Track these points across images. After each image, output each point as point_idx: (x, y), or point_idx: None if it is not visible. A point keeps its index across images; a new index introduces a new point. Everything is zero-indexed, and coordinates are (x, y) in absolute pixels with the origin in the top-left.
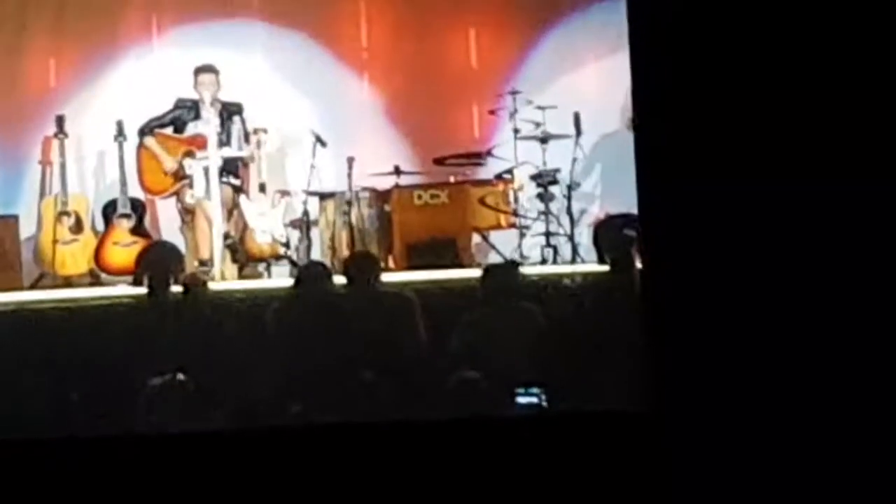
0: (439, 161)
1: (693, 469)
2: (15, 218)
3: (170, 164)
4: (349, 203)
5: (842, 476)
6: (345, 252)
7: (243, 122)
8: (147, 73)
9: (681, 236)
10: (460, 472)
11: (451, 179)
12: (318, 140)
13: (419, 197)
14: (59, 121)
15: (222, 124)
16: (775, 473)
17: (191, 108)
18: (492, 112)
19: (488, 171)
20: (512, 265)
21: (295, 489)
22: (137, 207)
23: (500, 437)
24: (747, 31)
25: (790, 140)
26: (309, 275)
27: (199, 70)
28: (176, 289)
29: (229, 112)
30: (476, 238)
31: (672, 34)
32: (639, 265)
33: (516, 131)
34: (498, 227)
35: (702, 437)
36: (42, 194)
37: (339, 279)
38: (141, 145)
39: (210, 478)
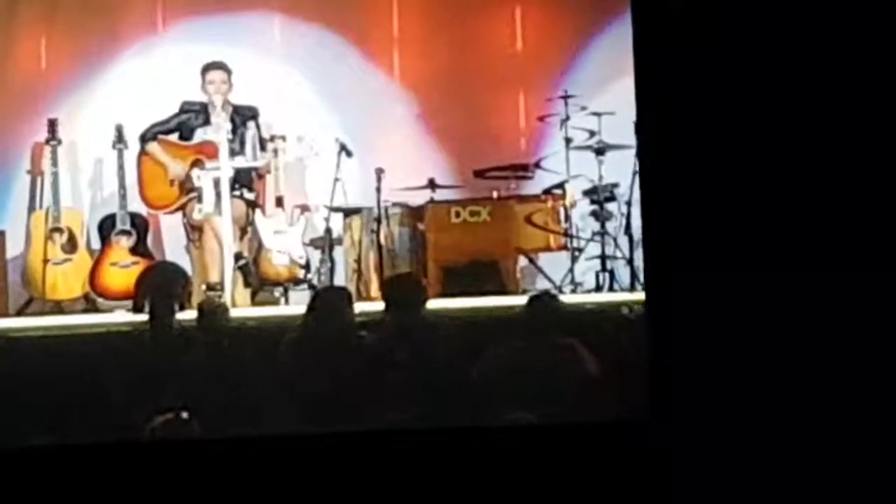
0: (480, 173)
1: (694, 479)
2: (0, 235)
3: (175, 175)
4: (377, 220)
5: (844, 486)
6: (372, 276)
7: (258, 128)
8: (151, 72)
9: (684, 243)
10: (462, 482)
11: (494, 194)
12: (343, 149)
13: (457, 214)
14: (52, 125)
15: (234, 130)
16: (776, 482)
17: (199, 112)
18: (541, 119)
19: (536, 185)
20: (550, 297)
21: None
22: (138, 224)
23: (502, 447)
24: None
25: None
26: (324, 301)
27: (208, 68)
28: (181, 316)
29: (242, 117)
30: (522, 261)
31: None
32: None
33: (568, 141)
34: (547, 248)
35: (703, 447)
36: (31, 208)
37: (372, 305)
38: (143, 153)
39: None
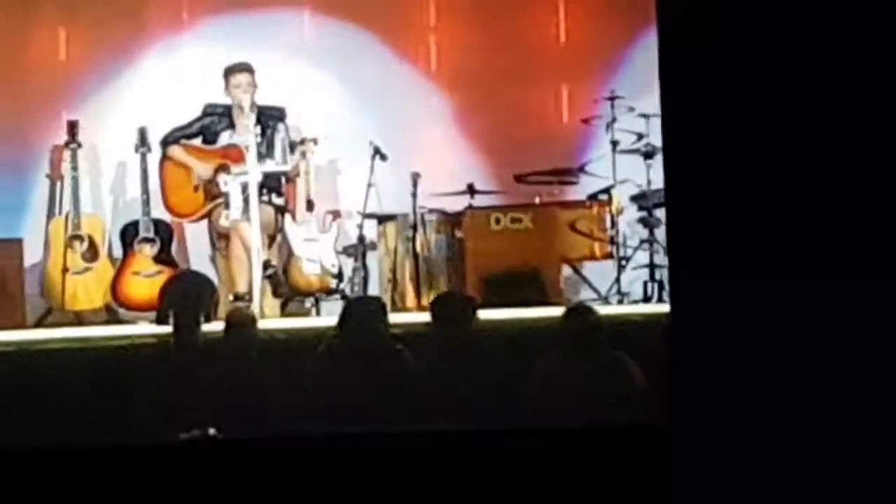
0: (521, 178)
1: (711, 484)
2: (18, 242)
3: (200, 179)
4: (413, 227)
5: (871, 495)
6: (408, 286)
7: (287, 130)
8: (174, 72)
9: (708, 247)
10: (480, 485)
11: (536, 200)
12: (377, 152)
13: (497, 221)
14: (71, 127)
15: (262, 133)
16: (793, 490)
17: (223, 115)
18: (585, 121)
19: (581, 190)
20: (587, 310)
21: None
22: (162, 231)
23: (525, 449)
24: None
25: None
26: (358, 312)
27: (233, 71)
28: (207, 328)
29: (270, 119)
30: (566, 270)
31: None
32: None
33: (615, 144)
34: (592, 257)
35: (721, 453)
36: (50, 214)
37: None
38: (165, 158)
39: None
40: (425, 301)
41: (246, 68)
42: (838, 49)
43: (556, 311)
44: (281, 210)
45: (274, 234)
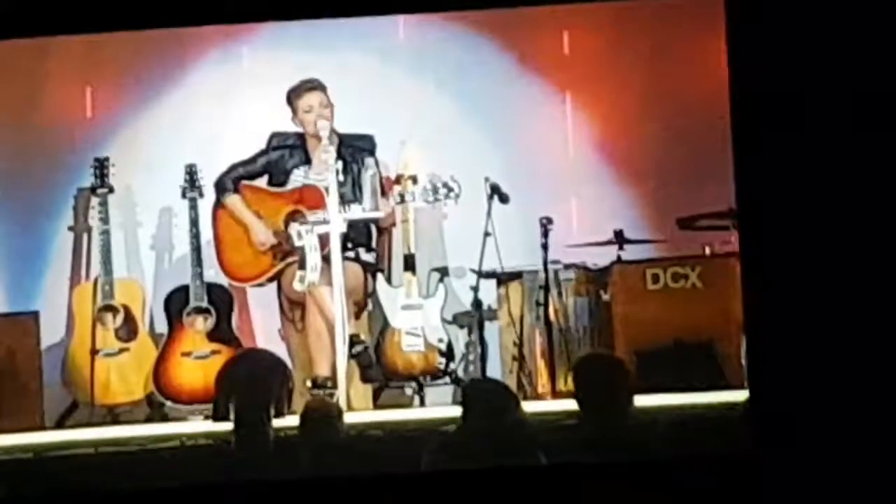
0: (686, 223)
1: None
2: (32, 316)
3: (266, 232)
4: (545, 288)
5: None
6: (539, 364)
7: (377, 165)
8: (230, 93)
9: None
10: None
11: (706, 251)
12: (496, 192)
13: (655, 278)
14: (100, 166)
15: (345, 170)
16: None
17: (294, 148)
18: None
19: None
20: None
21: None
22: (218, 299)
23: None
24: None
25: None
26: (479, 401)
27: (298, 91)
28: (279, 423)
29: (355, 151)
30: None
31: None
32: None
33: None
34: None
35: (801, 483)
36: (74, 279)
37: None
38: (220, 205)
39: None
40: (562, 385)
41: (315, 86)
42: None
43: (736, 395)
44: (372, 269)
45: (363, 301)
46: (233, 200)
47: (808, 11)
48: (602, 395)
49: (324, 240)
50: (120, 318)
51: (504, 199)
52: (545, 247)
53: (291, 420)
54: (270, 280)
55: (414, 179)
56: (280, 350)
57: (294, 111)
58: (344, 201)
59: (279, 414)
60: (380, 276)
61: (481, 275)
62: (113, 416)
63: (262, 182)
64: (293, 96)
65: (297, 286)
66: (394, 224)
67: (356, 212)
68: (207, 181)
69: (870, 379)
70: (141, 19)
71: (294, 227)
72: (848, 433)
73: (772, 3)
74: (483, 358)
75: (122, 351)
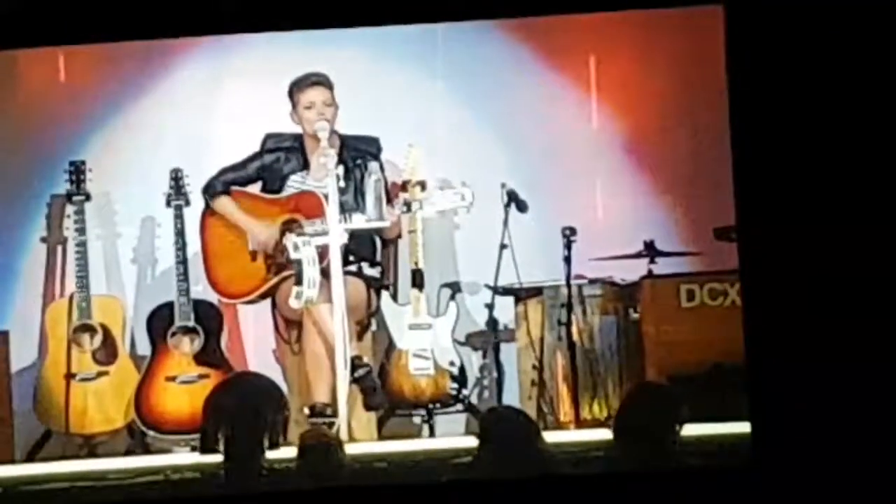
0: (724, 233)
1: None
2: (2, 337)
3: (267, 231)
4: (567, 306)
5: None
6: (562, 390)
7: (382, 170)
8: (220, 90)
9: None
10: None
11: None
12: (514, 200)
13: (690, 294)
14: (77, 171)
15: (347, 174)
16: None
17: (291, 150)
18: None
19: None
20: None
21: None
22: (207, 318)
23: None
24: None
25: None
26: (498, 431)
27: (301, 84)
28: (274, 455)
29: (359, 154)
30: None
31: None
32: None
33: None
34: None
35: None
36: (48, 296)
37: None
38: (210, 213)
39: None
40: (587, 413)
41: (321, 81)
42: None
43: None
44: (376, 284)
45: (366, 320)
46: (223, 203)
47: (812, 20)
48: (644, 430)
49: (323, 252)
50: (98, 338)
51: (522, 207)
52: (568, 260)
53: (287, 452)
54: (264, 296)
55: (422, 186)
56: (275, 374)
57: (294, 105)
58: (345, 210)
59: (273, 445)
60: (384, 292)
61: (497, 291)
62: (90, 446)
63: (255, 188)
64: (295, 89)
65: (293, 303)
66: (400, 235)
67: (358, 221)
68: (195, 187)
69: (870, 379)
70: (132, 30)
71: (290, 238)
72: (849, 437)
73: (772, 13)
74: (499, 383)
75: (100, 375)
